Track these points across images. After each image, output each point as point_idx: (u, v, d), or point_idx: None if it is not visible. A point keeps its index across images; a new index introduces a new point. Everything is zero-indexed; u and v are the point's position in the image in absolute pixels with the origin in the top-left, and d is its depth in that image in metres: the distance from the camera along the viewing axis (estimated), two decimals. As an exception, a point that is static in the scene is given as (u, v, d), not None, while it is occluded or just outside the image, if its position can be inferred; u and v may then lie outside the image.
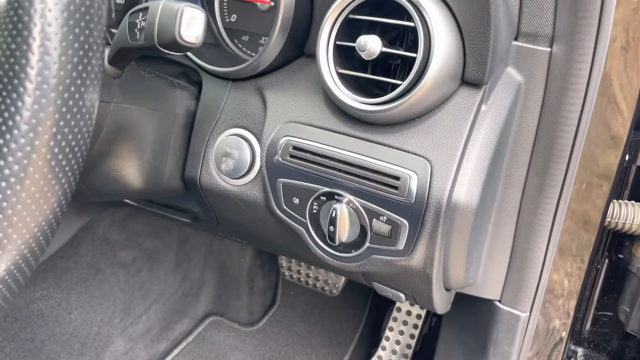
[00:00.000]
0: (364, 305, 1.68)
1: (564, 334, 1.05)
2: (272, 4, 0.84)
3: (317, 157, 0.72)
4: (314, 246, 0.76)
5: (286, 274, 1.74)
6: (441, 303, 0.83)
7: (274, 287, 1.78)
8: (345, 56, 0.71)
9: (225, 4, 0.89)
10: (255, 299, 1.74)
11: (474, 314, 1.04)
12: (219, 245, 1.69)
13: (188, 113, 0.83)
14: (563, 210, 0.81)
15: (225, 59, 0.86)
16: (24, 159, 0.40)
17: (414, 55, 0.64)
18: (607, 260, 1.22)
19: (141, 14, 0.55)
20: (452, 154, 0.66)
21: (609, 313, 1.24)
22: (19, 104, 0.39)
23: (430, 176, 0.66)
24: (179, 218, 1.02)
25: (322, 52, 0.70)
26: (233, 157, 0.79)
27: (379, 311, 1.64)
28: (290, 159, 0.74)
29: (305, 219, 0.75)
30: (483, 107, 0.70)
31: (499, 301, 0.92)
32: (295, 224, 0.77)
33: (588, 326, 1.26)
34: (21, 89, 0.39)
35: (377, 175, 0.68)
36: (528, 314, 0.93)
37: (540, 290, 0.90)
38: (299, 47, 0.79)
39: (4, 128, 0.39)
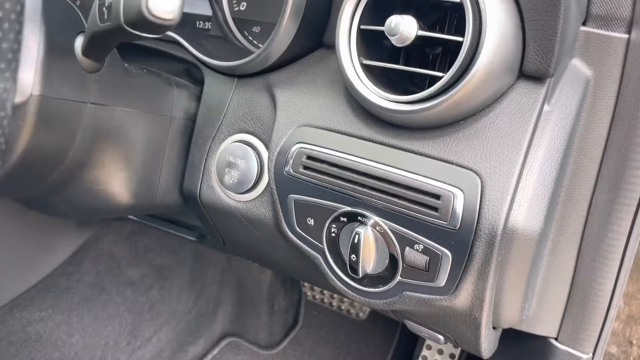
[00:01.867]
0: (394, 330, 1.54)
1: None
2: (287, -13, 0.71)
3: (336, 169, 0.58)
4: (333, 277, 0.62)
5: (308, 294, 1.61)
6: (488, 346, 0.68)
7: (296, 307, 1.66)
8: (373, 44, 0.58)
9: (233, -10, 0.77)
10: (275, 319, 1.62)
11: (524, 352, 0.89)
12: (238, 261, 1.58)
13: (187, 116, 0.71)
14: (638, 233, 0.66)
15: (233, 54, 0.74)
16: None
17: (459, 39, 0.50)
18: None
19: None
20: (509, 166, 0.52)
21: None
22: None
23: (481, 195, 0.51)
24: (184, 235, 0.90)
25: (342, 39, 0.56)
26: (238, 167, 0.67)
27: (411, 337, 1.49)
28: (303, 170, 0.60)
29: (322, 244, 0.62)
30: (546, 107, 0.56)
31: (556, 339, 0.78)
32: (310, 250, 0.63)
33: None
34: None
35: (411, 193, 0.54)
36: (591, 355, 0.79)
37: (607, 327, 0.76)
38: (316, 35, 0.66)
39: None
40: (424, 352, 1.37)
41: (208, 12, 0.82)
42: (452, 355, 1.35)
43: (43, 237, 1.21)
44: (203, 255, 1.52)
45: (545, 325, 0.76)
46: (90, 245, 1.25)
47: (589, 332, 0.75)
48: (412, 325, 0.71)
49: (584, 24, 0.60)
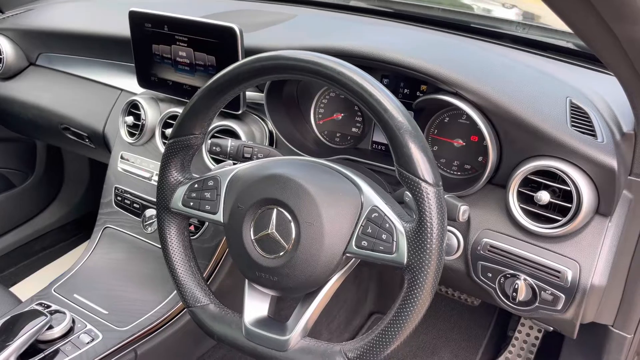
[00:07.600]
0: (493, 312, 2.19)
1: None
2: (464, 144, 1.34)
3: (505, 253, 1.22)
4: (501, 302, 1.26)
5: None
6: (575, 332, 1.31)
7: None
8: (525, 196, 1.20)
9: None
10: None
11: (588, 334, 1.44)
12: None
13: None
14: None
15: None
16: None
17: (569, 205, 1.13)
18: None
19: None
20: (592, 259, 1.14)
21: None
22: None
23: (580, 272, 1.14)
24: None
25: (511, 199, 1.19)
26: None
27: (505, 318, 2.13)
28: (487, 252, 1.25)
29: (495, 285, 1.26)
30: (609, 224, 1.17)
31: (612, 325, 1.29)
32: (487, 287, 1.28)
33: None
34: None
35: (545, 268, 1.17)
36: (632, 335, 1.35)
37: None
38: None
39: None
40: (519, 327, 2.01)
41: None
42: (539, 330, 1.98)
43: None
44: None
45: (606, 315, 1.26)
46: None
47: (634, 319, 1.23)
48: (535, 321, 1.35)
49: (629, 175, 1.19)
